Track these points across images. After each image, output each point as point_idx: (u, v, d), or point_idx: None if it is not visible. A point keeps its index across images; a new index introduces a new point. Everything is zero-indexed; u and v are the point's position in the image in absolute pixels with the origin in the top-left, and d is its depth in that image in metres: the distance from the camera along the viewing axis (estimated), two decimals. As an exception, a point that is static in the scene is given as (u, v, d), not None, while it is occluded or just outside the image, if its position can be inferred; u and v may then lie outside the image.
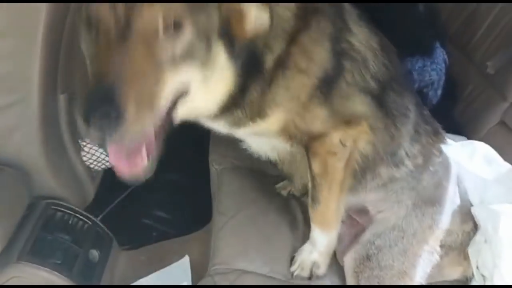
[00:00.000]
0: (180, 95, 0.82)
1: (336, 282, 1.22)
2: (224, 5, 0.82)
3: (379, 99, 1.11)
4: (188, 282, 1.30)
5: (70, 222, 1.39)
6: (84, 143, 1.61)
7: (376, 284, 1.17)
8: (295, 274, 1.20)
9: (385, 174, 1.21)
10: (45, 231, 1.32)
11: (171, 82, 0.77)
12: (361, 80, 1.07)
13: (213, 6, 0.81)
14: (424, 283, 1.21)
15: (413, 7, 1.65)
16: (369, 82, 1.09)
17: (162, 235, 1.70)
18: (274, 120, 1.03)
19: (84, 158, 1.60)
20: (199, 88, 0.84)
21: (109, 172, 1.75)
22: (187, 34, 0.76)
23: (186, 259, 1.39)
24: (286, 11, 0.95)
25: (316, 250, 1.20)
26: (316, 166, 1.12)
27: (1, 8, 1.16)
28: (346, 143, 1.10)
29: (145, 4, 0.71)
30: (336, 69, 1.03)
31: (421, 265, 1.21)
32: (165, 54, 0.75)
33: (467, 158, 1.35)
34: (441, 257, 1.23)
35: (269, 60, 0.95)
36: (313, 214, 1.19)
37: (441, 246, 1.23)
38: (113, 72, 0.69)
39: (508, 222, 1.14)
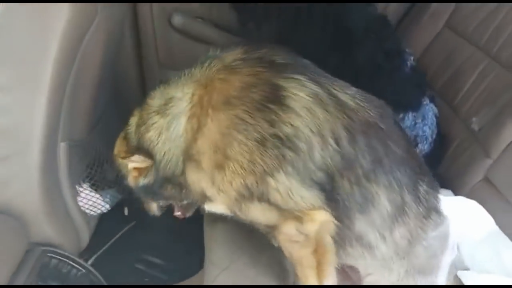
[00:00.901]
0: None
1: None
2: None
3: (329, 192, 0.98)
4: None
5: (64, 270, 1.42)
6: (81, 189, 1.65)
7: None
8: None
9: (355, 254, 1.09)
10: (40, 278, 1.34)
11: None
12: (304, 172, 0.96)
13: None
14: None
15: (400, 70, 1.70)
16: (315, 172, 0.96)
17: (154, 280, 1.72)
18: (220, 205, 1.07)
19: (80, 204, 1.63)
20: None
21: (103, 217, 1.79)
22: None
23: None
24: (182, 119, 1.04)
25: None
26: (284, 251, 1.06)
27: (6, 63, 1.23)
28: (306, 232, 0.99)
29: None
30: (274, 162, 0.95)
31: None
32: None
33: (458, 216, 1.37)
34: None
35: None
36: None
37: None
38: None
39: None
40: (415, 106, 1.68)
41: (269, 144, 0.94)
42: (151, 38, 2.20)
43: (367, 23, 1.69)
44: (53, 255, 1.42)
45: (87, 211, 1.67)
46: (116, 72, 1.98)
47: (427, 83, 1.79)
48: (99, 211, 1.71)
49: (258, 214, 1.02)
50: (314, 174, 0.96)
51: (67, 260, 1.44)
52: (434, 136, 1.67)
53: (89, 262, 1.69)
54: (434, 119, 1.71)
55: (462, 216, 1.36)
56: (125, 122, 2.23)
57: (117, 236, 1.93)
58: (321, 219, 0.97)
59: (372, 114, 1.02)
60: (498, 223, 1.35)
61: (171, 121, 1.04)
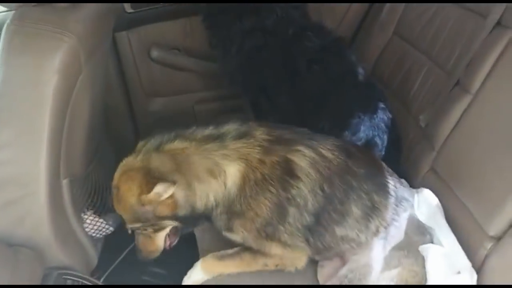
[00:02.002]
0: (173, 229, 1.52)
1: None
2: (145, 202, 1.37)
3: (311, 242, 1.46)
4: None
5: (78, 288, 1.64)
6: (86, 216, 1.87)
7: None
8: None
9: (347, 248, 1.49)
10: (58, 299, 1.56)
11: (159, 238, 1.52)
12: (299, 218, 1.42)
13: (141, 212, 1.39)
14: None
15: (349, 88, 1.89)
16: (305, 217, 1.42)
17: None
18: (238, 236, 1.50)
19: (87, 229, 1.86)
20: None
21: (109, 237, 2.02)
22: (149, 228, 1.47)
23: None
24: (221, 187, 1.41)
25: None
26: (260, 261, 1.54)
27: (9, 122, 1.45)
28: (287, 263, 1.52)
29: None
30: (280, 216, 1.42)
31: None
32: (148, 232, 1.46)
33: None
34: None
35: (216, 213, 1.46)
36: None
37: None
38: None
39: (433, 257, 1.40)
40: (368, 119, 1.84)
41: (282, 204, 1.40)
42: (134, 72, 2.43)
43: (309, 55, 1.89)
44: (68, 277, 1.63)
45: (93, 234, 1.90)
46: (106, 107, 2.20)
47: (380, 92, 1.96)
48: (104, 233, 1.94)
49: (266, 247, 1.48)
50: (306, 219, 1.42)
51: (81, 280, 1.66)
52: (386, 142, 1.85)
53: (101, 280, 1.90)
54: (386, 129, 1.86)
55: (424, 206, 1.58)
56: (118, 151, 2.48)
57: (123, 254, 2.16)
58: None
59: (341, 157, 1.46)
60: (442, 206, 1.57)
61: (227, 188, 1.41)
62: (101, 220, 1.92)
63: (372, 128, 1.82)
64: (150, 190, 1.33)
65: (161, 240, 1.50)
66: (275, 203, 1.42)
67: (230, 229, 1.49)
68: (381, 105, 1.86)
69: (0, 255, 1.43)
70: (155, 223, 1.42)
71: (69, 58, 1.42)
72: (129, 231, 1.62)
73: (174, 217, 1.41)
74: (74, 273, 1.68)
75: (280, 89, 1.95)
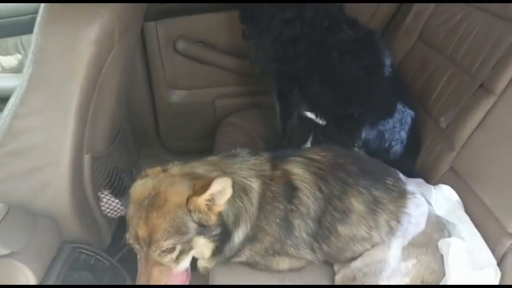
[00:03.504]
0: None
1: None
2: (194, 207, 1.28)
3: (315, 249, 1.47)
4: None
5: (92, 262, 1.65)
6: (103, 195, 1.90)
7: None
8: None
9: (360, 249, 1.47)
10: (72, 270, 1.57)
11: (175, 273, 1.32)
12: (304, 226, 1.43)
13: (190, 221, 1.28)
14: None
15: (379, 81, 1.94)
16: (309, 224, 1.43)
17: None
18: (242, 258, 1.50)
19: (103, 208, 1.89)
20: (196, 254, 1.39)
21: (125, 220, 2.04)
22: (177, 249, 1.29)
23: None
24: (249, 204, 1.40)
25: None
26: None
27: (41, 88, 1.49)
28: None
29: (153, 247, 1.26)
30: (287, 231, 1.44)
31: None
32: (168, 261, 1.28)
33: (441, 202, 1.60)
34: None
35: (238, 237, 1.42)
36: None
37: (423, 282, 1.41)
38: (146, 279, 1.27)
39: (455, 252, 1.39)
40: (393, 113, 1.91)
41: (288, 218, 1.42)
42: (158, 62, 2.48)
43: (343, 46, 1.93)
44: (82, 251, 1.66)
45: (109, 214, 1.92)
46: (129, 94, 2.25)
47: (406, 89, 2.03)
48: (119, 214, 1.96)
49: (274, 262, 1.50)
50: (310, 227, 1.43)
51: (94, 255, 1.67)
52: (407, 139, 1.89)
53: (115, 259, 1.90)
54: (410, 123, 1.93)
55: (444, 201, 1.59)
56: (137, 138, 2.52)
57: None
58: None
59: (330, 157, 1.50)
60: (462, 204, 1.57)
61: (253, 206, 1.42)
62: (116, 200, 1.94)
63: (399, 121, 1.87)
64: (205, 189, 1.26)
65: (182, 269, 1.34)
66: (283, 219, 1.43)
67: (237, 255, 1.47)
68: (408, 100, 1.90)
69: (21, 220, 1.46)
70: (190, 239, 1.29)
71: (104, 31, 1.46)
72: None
73: (215, 227, 1.32)
74: (89, 248, 1.70)
75: (313, 77, 1.98)
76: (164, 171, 1.38)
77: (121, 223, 2.04)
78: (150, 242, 1.24)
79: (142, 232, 1.25)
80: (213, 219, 1.30)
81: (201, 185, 1.28)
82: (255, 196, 1.41)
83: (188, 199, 1.27)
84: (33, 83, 1.46)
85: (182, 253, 1.30)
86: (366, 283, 1.41)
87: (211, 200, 1.28)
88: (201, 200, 1.27)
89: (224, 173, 1.38)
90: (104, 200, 1.89)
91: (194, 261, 1.66)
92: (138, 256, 1.32)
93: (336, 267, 1.53)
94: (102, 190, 1.90)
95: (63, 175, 1.58)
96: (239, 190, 1.39)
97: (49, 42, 1.42)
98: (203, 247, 1.36)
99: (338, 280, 1.47)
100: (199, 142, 2.65)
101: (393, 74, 2.01)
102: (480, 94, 1.67)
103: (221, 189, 1.27)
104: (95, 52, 1.45)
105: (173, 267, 1.30)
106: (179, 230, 1.26)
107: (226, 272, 1.50)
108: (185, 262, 1.34)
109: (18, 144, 1.51)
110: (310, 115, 2.14)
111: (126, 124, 2.27)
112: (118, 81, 1.81)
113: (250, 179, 1.41)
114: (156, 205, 1.26)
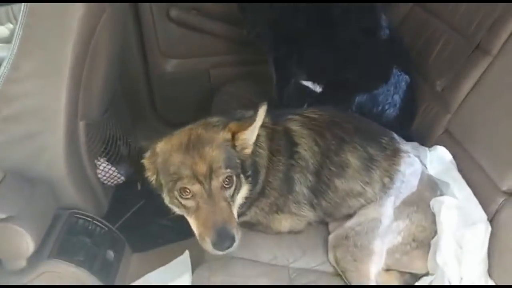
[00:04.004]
0: None
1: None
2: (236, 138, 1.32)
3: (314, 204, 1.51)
4: (189, 273, 1.54)
5: (89, 227, 1.67)
6: (99, 163, 1.90)
7: (350, 257, 1.43)
8: None
9: (355, 204, 1.50)
10: (70, 234, 1.59)
11: (234, 208, 1.32)
12: (303, 181, 1.47)
13: (233, 152, 1.31)
14: (393, 265, 1.46)
15: (376, 44, 1.93)
16: (308, 178, 1.47)
17: (167, 241, 1.96)
18: (246, 217, 1.52)
19: (99, 175, 1.89)
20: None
21: (122, 190, 2.05)
22: (233, 183, 1.29)
23: (186, 254, 1.63)
24: (261, 149, 1.44)
25: None
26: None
27: (33, 53, 1.47)
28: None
29: (215, 176, 1.25)
30: (289, 185, 1.47)
31: (392, 250, 1.45)
32: (227, 196, 1.28)
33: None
34: (413, 249, 1.45)
35: (258, 186, 1.46)
36: None
37: (414, 240, 1.45)
38: (218, 218, 1.23)
39: (447, 209, 1.40)
40: (385, 76, 1.90)
41: (289, 173, 1.46)
42: (151, 30, 2.45)
43: (343, 5, 1.91)
44: (80, 216, 1.67)
45: (105, 182, 1.92)
46: (122, 63, 2.21)
47: (403, 53, 2.00)
48: (115, 182, 1.97)
49: (276, 220, 1.52)
50: (309, 180, 1.47)
51: (92, 220, 1.69)
52: (401, 103, 1.89)
53: (115, 227, 1.91)
54: (405, 88, 1.93)
55: (438, 162, 1.60)
56: (132, 106, 2.49)
57: (134, 209, 2.20)
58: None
59: (327, 116, 1.54)
60: (456, 165, 1.58)
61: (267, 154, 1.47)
62: (113, 168, 1.94)
63: (393, 85, 1.87)
64: (247, 125, 1.31)
65: (238, 203, 1.36)
66: (284, 173, 1.46)
67: (241, 214, 1.48)
68: (404, 64, 1.90)
69: (17, 185, 1.47)
70: (239, 174, 1.32)
71: None
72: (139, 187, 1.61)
73: (249, 166, 1.36)
74: (86, 213, 1.71)
75: (312, 39, 1.95)
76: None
77: (118, 192, 2.05)
78: (211, 173, 1.25)
79: (201, 167, 1.25)
80: (248, 151, 1.35)
81: (238, 124, 1.33)
82: (265, 141, 1.45)
83: (233, 134, 1.31)
84: (25, 47, 1.44)
85: (236, 190, 1.32)
86: (358, 242, 1.43)
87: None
88: (245, 135, 1.32)
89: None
90: (101, 167, 1.89)
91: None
92: (193, 202, 1.28)
93: (331, 227, 1.55)
94: (99, 157, 1.89)
95: (59, 141, 1.58)
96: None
97: (39, 5, 1.40)
98: (244, 191, 1.37)
99: (331, 240, 1.49)
100: (194, 112, 2.62)
101: (391, 38, 1.99)
102: (476, 56, 1.67)
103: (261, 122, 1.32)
104: (85, 15, 1.44)
105: (232, 204, 1.30)
106: (232, 162, 1.29)
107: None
108: (237, 203, 1.35)
109: (11, 110, 1.51)
110: (306, 83, 2.12)
111: (121, 93, 2.26)
112: (110, 47, 1.78)
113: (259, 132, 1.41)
114: (205, 142, 1.28)
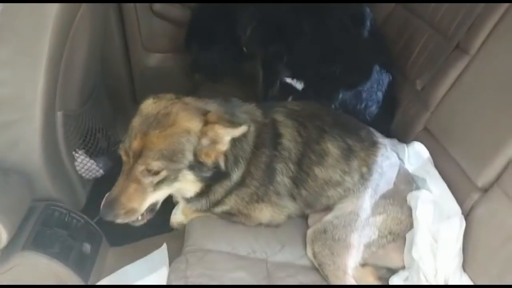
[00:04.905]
0: (154, 203, 1.38)
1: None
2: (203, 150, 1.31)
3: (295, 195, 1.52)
4: (166, 266, 1.53)
5: (66, 219, 1.64)
6: (77, 155, 1.87)
7: (327, 251, 1.43)
8: None
9: (334, 194, 1.52)
10: (45, 226, 1.55)
11: (148, 201, 1.32)
12: (285, 171, 1.48)
13: (189, 151, 1.28)
14: (369, 258, 1.47)
15: (361, 35, 1.95)
16: (290, 168, 1.48)
17: (145, 235, 1.93)
18: (228, 206, 1.51)
19: (77, 168, 1.86)
20: (177, 190, 1.41)
21: (101, 183, 2.02)
22: (162, 175, 1.28)
23: (164, 247, 1.61)
24: (247, 145, 1.43)
25: None
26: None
27: (8, 40, 1.44)
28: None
29: (140, 161, 1.25)
30: (270, 176, 1.48)
31: (369, 244, 1.46)
32: (147, 183, 1.28)
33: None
34: (389, 242, 1.46)
35: (236, 176, 1.44)
36: None
37: (390, 233, 1.46)
38: (117, 192, 1.28)
39: (423, 203, 1.42)
40: (371, 74, 1.92)
41: (272, 163, 1.46)
42: (135, 23, 2.41)
43: None
44: (56, 208, 1.64)
45: (83, 174, 1.90)
46: (103, 56, 2.19)
47: (385, 51, 2.03)
48: (94, 176, 1.94)
49: (257, 209, 1.51)
50: (291, 170, 1.47)
51: (68, 212, 1.65)
52: (383, 100, 1.92)
53: (93, 221, 1.88)
54: (387, 85, 1.95)
55: (415, 158, 1.63)
56: (113, 100, 2.46)
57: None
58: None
59: (307, 109, 1.57)
60: (434, 162, 1.60)
61: (251, 149, 1.46)
62: (91, 161, 1.92)
63: (376, 81, 1.90)
64: (227, 125, 1.29)
65: (152, 199, 1.34)
66: (267, 164, 1.47)
67: (221, 202, 1.49)
68: (386, 61, 1.94)
69: (-10, 175, 1.43)
70: (179, 170, 1.30)
71: None
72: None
73: (208, 168, 1.34)
74: (63, 205, 1.68)
75: (301, 30, 1.96)
76: (178, 98, 1.38)
77: (97, 186, 2.02)
78: (139, 156, 1.24)
79: (136, 144, 1.25)
80: (212, 156, 1.32)
81: (218, 117, 1.30)
82: (252, 138, 1.44)
83: (207, 123, 1.28)
84: (1, 34, 1.41)
85: (165, 180, 1.30)
86: (336, 235, 1.44)
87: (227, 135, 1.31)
88: (221, 130, 1.29)
89: (231, 115, 1.40)
90: (79, 160, 1.86)
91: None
92: (122, 169, 1.31)
93: (310, 221, 1.55)
94: (77, 150, 1.86)
95: (35, 131, 1.55)
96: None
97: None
98: (189, 184, 1.37)
99: (309, 234, 1.50)
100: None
101: (373, 33, 2.01)
102: (455, 55, 1.69)
103: (237, 131, 1.31)
104: (64, 5, 1.42)
105: (149, 192, 1.30)
106: (174, 157, 1.27)
107: (201, 226, 1.51)
108: (163, 192, 1.35)
109: (-14, 98, 1.47)
110: (289, 81, 2.13)
111: (102, 86, 2.22)
112: (90, 39, 1.76)
113: (249, 123, 1.42)
114: (162, 124, 1.27)
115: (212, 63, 2.22)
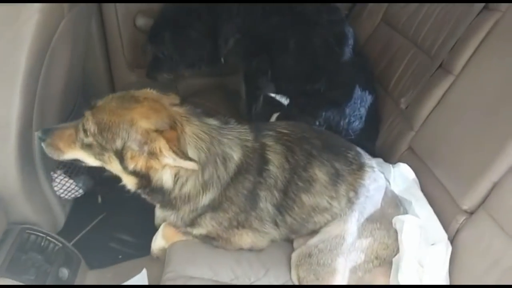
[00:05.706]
0: (78, 161, 1.42)
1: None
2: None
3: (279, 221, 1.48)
4: (145, 292, 1.49)
5: (42, 244, 1.57)
6: (56, 175, 1.81)
7: (312, 276, 1.40)
8: None
9: (321, 220, 1.48)
10: (20, 251, 1.49)
11: (72, 153, 1.39)
12: (270, 198, 1.44)
13: (121, 139, 1.27)
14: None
15: (344, 54, 1.97)
16: (275, 196, 1.44)
17: (127, 256, 1.88)
18: (205, 230, 1.47)
19: (56, 188, 1.80)
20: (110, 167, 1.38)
21: (81, 203, 1.97)
22: (89, 140, 1.32)
23: (143, 273, 1.57)
24: (224, 173, 1.38)
25: None
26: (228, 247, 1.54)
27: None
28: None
29: (86, 116, 1.33)
30: (252, 202, 1.43)
31: (355, 268, 1.43)
32: (79, 137, 1.34)
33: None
34: (375, 266, 1.44)
35: (206, 199, 1.40)
36: None
37: (377, 258, 1.44)
38: (63, 127, 1.42)
39: (409, 228, 1.40)
40: (354, 91, 1.92)
41: (255, 190, 1.42)
42: (117, 39, 2.38)
43: (319, 7, 1.97)
44: (32, 232, 1.58)
45: (62, 195, 1.84)
46: (85, 72, 2.15)
47: (369, 67, 2.06)
48: (73, 196, 1.88)
49: (237, 235, 1.48)
50: (275, 197, 1.43)
51: (45, 236, 1.60)
52: (367, 115, 1.92)
53: (71, 243, 1.83)
54: (371, 101, 1.95)
55: (401, 179, 1.61)
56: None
57: (93, 223, 2.11)
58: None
59: (297, 132, 1.51)
60: (419, 183, 1.59)
61: (229, 177, 1.41)
62: (71, 181, 1.86)
63: (360, 97, 1.90)
64: (177, 149, 1.23)
65: (76, 154, 1.39)
66: (250, 190, 1.42)
67: (195, 224, 1.46)
68: (370, 80, 1.96)
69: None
70: (105, 148, 1.30)
71: None
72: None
73: (137, 174, 1.31)
74: (39, 229, 1.62)
75: (286, 47, 1.96)
76: (166, 95, 1.36)
77: (77, 206, 1.96)
78: (91, 113, 1.32)
79: (98, 104, 1.34)
80: (139, 164, 1.28)
81: (176, 136, 1.25)
82: (232, 166, 1.39)
83: (159, 132, 1.24)
84: (-25, 52, 1.36)
85: (91, 148, 1.34)
86: (321, 260, 1.41)
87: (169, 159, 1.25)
88: (165, 151, 1.23)
89: (211, 138, 1.36)
90: (57, 180, 1.80)
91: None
92: None
93: (295, 244, 1.52)
94: (55, 169, 1.81)
95: (10, 152, 1.49)
96: (217, 158, 1.36)
97: (-9, 8, 1.33)
98: (117, 171, 1.36)
99: (294, 258, 1.47)
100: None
101: (357, 53, 2.02)
102: (439, 75, 1.69)
103: (181, 162, 1.24)
104: (41, 21, 1.36)
105: (77, 145, 1.37)
106: (105, 133, 1.28)
107: (182, 249, 1.47)
108: (88, 157, 1.38)
109: (-42, 118, 1.42)
110: (273, 95, 2.12)
111: (83, 103, 2.17)
112: (70, 55, 1.72)
113: (234, 149, 1.40)
114: (123, 103, 1.30)
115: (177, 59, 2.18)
